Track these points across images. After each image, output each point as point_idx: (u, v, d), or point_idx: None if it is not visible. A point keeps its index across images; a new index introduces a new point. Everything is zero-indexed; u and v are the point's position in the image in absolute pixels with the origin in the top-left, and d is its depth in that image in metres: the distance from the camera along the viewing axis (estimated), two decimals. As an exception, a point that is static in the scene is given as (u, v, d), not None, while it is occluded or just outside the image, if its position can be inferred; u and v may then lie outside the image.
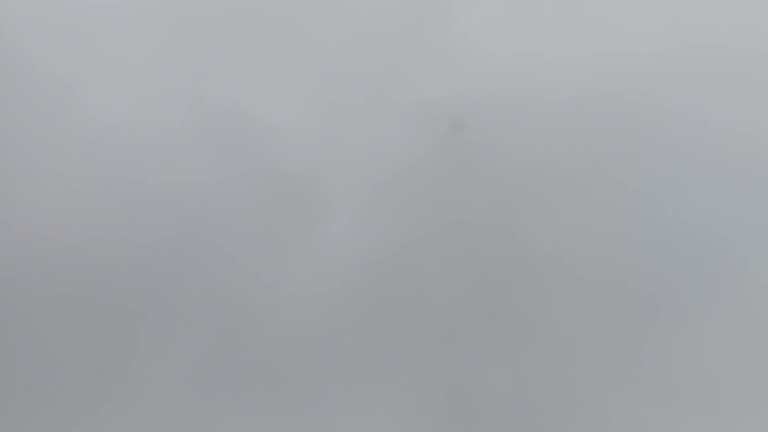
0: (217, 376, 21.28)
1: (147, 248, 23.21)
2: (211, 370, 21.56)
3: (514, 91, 21.77)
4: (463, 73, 22.19)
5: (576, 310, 19.32)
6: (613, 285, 19.66)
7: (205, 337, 23.19)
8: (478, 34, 23.09)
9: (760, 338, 22.76)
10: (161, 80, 23.44)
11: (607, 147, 22.14)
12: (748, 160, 20.36)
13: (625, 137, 20.20)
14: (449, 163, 20.81)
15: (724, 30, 21.96)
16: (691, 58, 21.78)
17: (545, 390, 19.46)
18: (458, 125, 20.16)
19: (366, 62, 23.84)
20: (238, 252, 24.32)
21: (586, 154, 21.95)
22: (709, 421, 21.02)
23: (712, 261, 20.79)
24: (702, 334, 23.17)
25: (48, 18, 23.93)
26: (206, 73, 25.43)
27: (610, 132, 21.24)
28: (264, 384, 21.25)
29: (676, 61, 22.68)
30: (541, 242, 21.30)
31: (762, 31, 21.93)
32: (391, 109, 23.01)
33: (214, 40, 24.91)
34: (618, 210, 19.84)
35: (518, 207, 21.93)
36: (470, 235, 20.02)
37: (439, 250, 20.83)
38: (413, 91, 22.78)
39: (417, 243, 22.37)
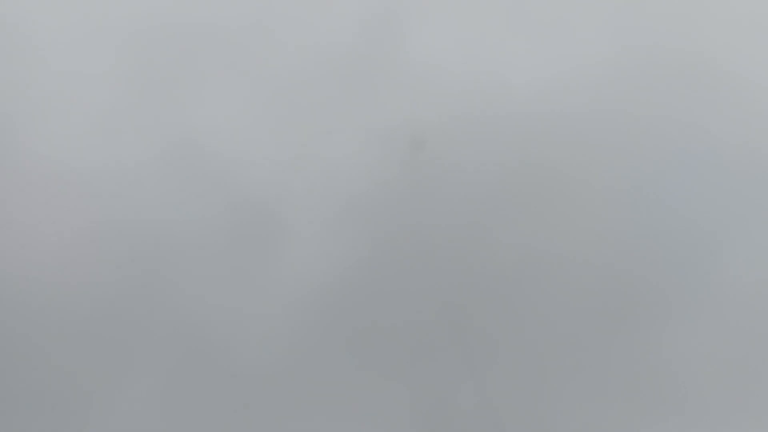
0: (183, 407, 21.12)
1: (110, 284, 22.99)
2: (177, 402, 21.39)
3: (472, 109, 22.27)
4: (420, 93, 22.64)
5: (543, 321, 19.65)
6: (578, 297, 19.97)
7: (171, 368, 23.02)
8: (435, 55, 23.74)
9: (734, 343, 23.39)
10: (117, 117, 23.38)
11: (564, 160, 22.74)
12: (704, 166, 21.00)
13: (582, 150, 20.74)
14: (409, 183, 21.09)
15: (675, 43, 22.74)
16: (645, 71, 22.46)
17: (515, 402, 19.57)
18: (418, 145, 20.45)
19: (323, 87, 24.14)
20: (202, 283, 24.19)
21: (544, 168, 22.52)
22: (682, 426, 21.32)
23: (684, 267, 21.39)
24: (675, 340, 23.63)
25: (1, 55, 23.46)
26: (162, 107, 25.43)
27: (567, 145, 21.83)
28: (231, 412, 21.13)
29: (630, 74, 23.37)
30: (503, 256, 21.75)
31: (714, 40, 22.87)
32: (350, 132, 23.36)
33: (168, 73, 24.98)
34: (577, 222, 20.26)
35: (480, 223, 22.33)
36: (432, 253, 20.17)
37: (401, 269, 21.04)
38: (371, 114, 23.16)
39: (379, 263, 22.62)
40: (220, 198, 18.86)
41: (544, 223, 18.93)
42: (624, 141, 17.51)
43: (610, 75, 18.44)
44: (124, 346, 17.28)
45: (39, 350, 16.92)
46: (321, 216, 19.09)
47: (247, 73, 19.74)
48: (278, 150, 19.55)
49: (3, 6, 18.94)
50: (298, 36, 18.97)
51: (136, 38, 19.43)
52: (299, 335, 17.69)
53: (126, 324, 17.18)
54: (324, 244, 19.26)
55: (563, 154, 19.14)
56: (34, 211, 16.64)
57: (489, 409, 15.29)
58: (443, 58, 18.99)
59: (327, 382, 17.23)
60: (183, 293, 18.46)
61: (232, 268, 18.31)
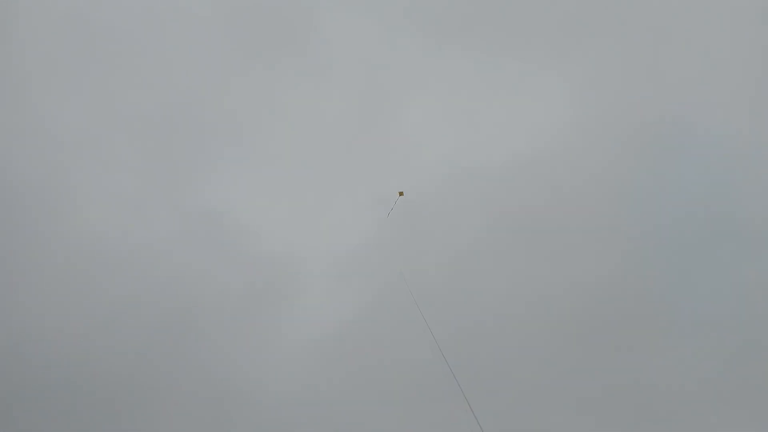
0: None
1: (140, 343, 26.42)
2: None
3: (449, 177, 26.38)
4: (404, 164, 26.63)
5: (519, 352, 22.25)
6: (553, 326, 22.90)
7: (198, 419, 26.34)
8: (417, 132, 28.13)
9: (705, 365, 26.11)
10: (142, 200, 27.52)
11: (536, 208, 26.10)
12: (653, 216, 24.75)
13: (542, 207, 24.30)
14: (398, 236, 24.49)
15: (621, 112, 26.72)
16: (601, 133, 26.38)
17: (505, 424, 22.09)
18: (406, 203, 23.80)
19: (323, 161, 27.99)
20: (224, 339, 27.78)
21: (512, 223, 25.93)
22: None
23: (654, 299, 24.44)
24: (647, 363, 26.37)
25: (34, 135, 27.40)
26: (184, 183, 29.67)
27: (537, 196, 25.17)
28: None
29: (584, 144, 27.53)
30: (486, 293, 24.78)
31: (654, 105, 26.70)
32: (346, 197, 27.22)
33: (184, 158, 29.03)
34: (547, 262, 23.40)
35: (462, 266, 25.69)
36: (424, 295, 22.97)
37: (397, 314, 23.83)
38: (366, 182, 27.01)
39: (380, 307, 25.80)
40: (237, 259, 23.18)
41: (524, 260, 23.09)
42: (580, 198, 22.17)
43: (573, 137, 23.06)
44: (156, 395, 21.00)
45: (80, 403, 20.62)
46: (325, 271, 23.26)
47: (257, 152, 24.39)
48: (286, 218, 23.98)
49: (32, 106, 23.28)
50: (300, 119, 23.70)
51: (159, 126, 24.09)
52: (312, 374, 21.49)
53: (157, 374, 21.09)
54: (331, 295, 23.39)
55: (536, 203, 23.28)
56: (76, 286, 20.59)
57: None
58: (425, 135, 23.91)
59: (342, 420, 20.79)
60: (210, 349, 22.42)
61: (252, 324, 22.32)
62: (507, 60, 35.41)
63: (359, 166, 33.87)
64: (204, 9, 32.44)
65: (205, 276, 31.97)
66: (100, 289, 31.08)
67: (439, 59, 35.67)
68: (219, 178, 32.97)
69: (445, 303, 30.33)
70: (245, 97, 34.45)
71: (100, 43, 32.03)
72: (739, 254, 31.47)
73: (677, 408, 28.88)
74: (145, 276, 32.25)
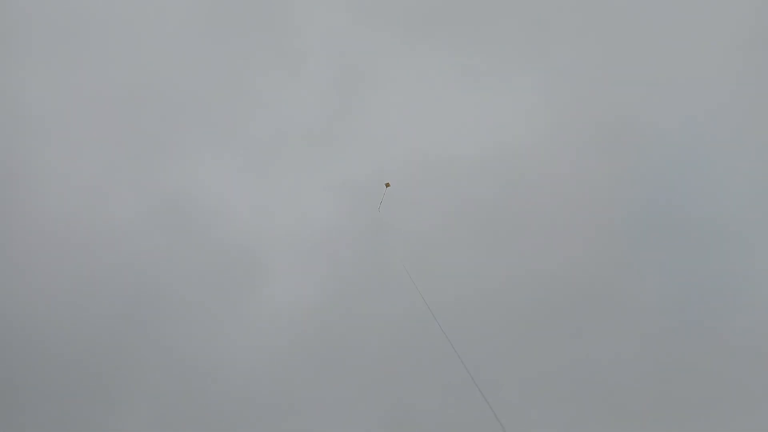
0: (175, 424, 24.41)
1: (110, 319, 26.29)
2: (173, 423, 24.78)
3: (420, 165, 26.96)
4: (375, 153, 27.12)
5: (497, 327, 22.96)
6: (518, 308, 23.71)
7: (164, 394, 26.39)
8: (388, 122, 28.69)
9: (648, 347, 27.17)
10: (110, 178, 27.44)
11: (499, 203, 26.92)
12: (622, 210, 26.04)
13: (504, 199, 25.11)
14: (366, 224, 25.01)
15: (583, 109, 27.81)
16: (565, 131, 27.51)
17: (462, 401, 22.96)
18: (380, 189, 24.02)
19: (294, 147, 28.30)
20: (191, 318, 27.91)
21: (484, 204, 26.69)
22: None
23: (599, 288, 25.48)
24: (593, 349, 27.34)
25: (4, 115, 26.94)
26: (151, 168, 29.69)
27: (499, 191, 26.02)
28: (219, 430, 24.28)
29: (548, 140, 28.66)
30: (456, 276, 25.51)
31: (615, 104, 27.85)
32: (316, 184, 27.57)
33: (156, 137, 29.07)
34: (506, 251, 24.27)
35: (430, 250, 26.30)
36: (391, 280, 23.92)
37: (365, 295, 24.64)
38: (335, 169, 27.37)
39: (345, 292, 26.41)
40: (205, 241, 23.52)
41: (490, 246, 24.08)
42: (549, 187, 23.16)
43: (538, 132, 24.13)
44: (124, 374, 21.22)
45: (51, 376, 20.69)
46: (294, 256, 23.85)
47: (228, 134, 24.73)
48: (255, 202, 24.42)
49: (5, 76, 23.20)
50: (276, 100, 24.19)
51: (127, 106, 24.23)
52: (278, 358, 22.02)
53: (124, 354, 21.32)
54: (297, 280, 24.01)
55: (500, 193, 24.17)
56: (41, 261, 20.75)
57: (446, 407, 18.81)
58: (395, 124, 24.59)
59: (306, 397, 21.35)
60: (174, 329, 22.72)
61: (217, 305, 22.73)
62: (478, 55, 36.56)
63: (329, 152, 34.51)
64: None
65: (170, 257, 32.06)
66: (65, 268, 30.76)
67: (411, 52, 36.66)
68: (186, 161, 33.02)
69: (405, 288, 31.31)
70: (215, 79, 34.42)
71: (67, 20, 30.99)
72: (686, 247, 33.44)
73: (620, 385, 30.87)
74: (110, 256, 32.08)
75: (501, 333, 31.53)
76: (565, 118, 35.85)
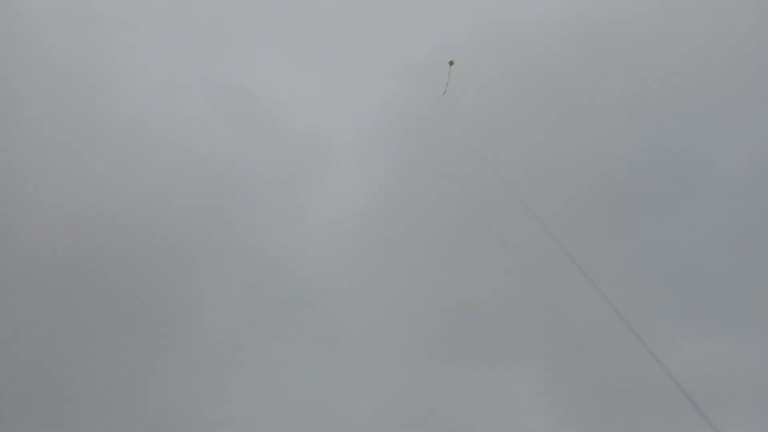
0: (254, 306, 26.65)
1: (186, 208, 28.14)
2: (249, 303, 27.01)
3: (485, 46, 26.60)
4: (435, 35, 26.78)
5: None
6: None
7: (242, 274, 28.49)
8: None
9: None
10: (183, 68, 28.20)
11: (560, 72, 26.68)
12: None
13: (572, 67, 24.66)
14: (426, 112, 25.29)
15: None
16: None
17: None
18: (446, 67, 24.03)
19: (352, 33, 28.39)
20: (261, 204, 29.46)
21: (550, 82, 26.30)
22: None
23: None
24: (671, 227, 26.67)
25: (73, 16, 27.92)
26: (214, 57, 30.30)
27: (560, 63, 25.90)
28: (292, 309, 26.48)
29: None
30: (522, 156, 25.80)
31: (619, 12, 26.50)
32: (376, 71, 27.80)
33: (218, 28, 29.35)
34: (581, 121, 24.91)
35: (488, 137, 26.41)
36: (451, 170, 24.71)
37: (424, 186, 25.47)
38: (393, 54, 27.34)
39: (404, 181, 27.25)
40: (270, 131, 24.65)
41: (554, 124, 24.50)
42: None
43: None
44: (203, 261, 23.06)
45: (136, 262, 22.79)
46: (355, 143, 24.74)
47: (287, 27, 25.15)
48: (317, 90, 25.13)
49: None
50: None
51: (185, 8, 24.62)
52: (342, 244, 23.44)
53: (199, 245, 23.06)
54: (359, 168, 24.91)
55: (561, 69, 24.14)
56: (117, 161, 22.30)
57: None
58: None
59: (363, 282, 22.93)
60: (247, 215, 24.31)
61: (284, 192, 24.07)
62: None
63: (391, 33, 33.76)
64: None
65: (238, 151, 33.43)
66: (140, 163, 31.95)
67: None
68: (254, 56, 33.55)
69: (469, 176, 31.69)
70: None
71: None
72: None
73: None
74: (180, 151, 33.75)
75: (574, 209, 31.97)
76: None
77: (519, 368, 29.03)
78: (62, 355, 31.42)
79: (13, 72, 30.91)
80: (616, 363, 27.85)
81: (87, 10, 32.84)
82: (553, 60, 35.63)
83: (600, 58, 36.11)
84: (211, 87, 31.04)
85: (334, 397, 29.23)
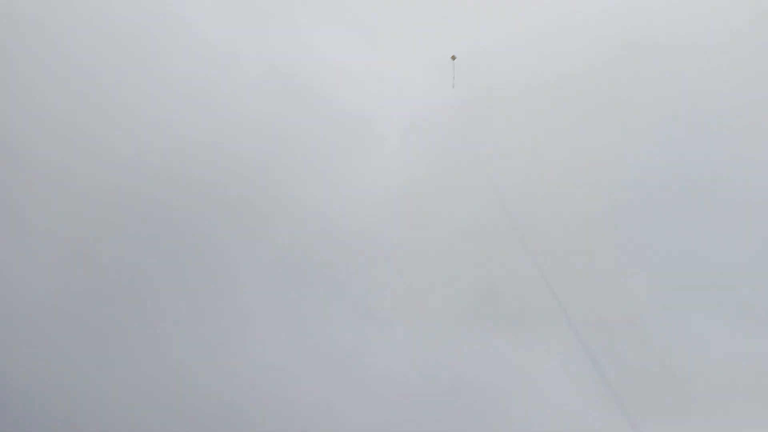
0: (294, 264, 29.45)
1: (239, 166, 31.17)
2: (290, 260, 29.95)
3: (512, 40, 28.92)
4: (472, 30, 29.15)
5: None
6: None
7: (286, 232, 31.48)
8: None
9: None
10: (235, 48, 31.52)
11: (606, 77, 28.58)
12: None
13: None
14: (465, 100, 27.59)
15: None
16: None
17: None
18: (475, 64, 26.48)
19: (396, 21, 30.95)
20: (311, 169, 32.61)
21: (581, 86, 28.56)
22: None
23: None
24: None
25: None
26: (271, 34, 33.64)
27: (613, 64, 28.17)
28: (332, 269, 29.23)
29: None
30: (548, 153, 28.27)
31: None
32: (418, 59, 30.35)
33: (276, 10, 32.38)
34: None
35: (524, 128, 28.83)
36: (485, 155, 27.19)
37: (460, 170, 27.89)
38: (434, 44, 29.79)
39: (443, 162, 29.83)
40: (321, 106, 27.88)
41: (580, 122, 27.15)
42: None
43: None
44: (251, 215, 26.25)
45: (191, 217, 25.80)
46: (399, 122, 27.83)
47: (338, 12, 28.48)
48: (365, 71, 28.28)
49: None
50: None
51: None
52: (382, 215, 26.36)
53: (253, 196, 26.11)
54: (402, 143, 28.14)
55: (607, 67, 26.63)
56: (174, 124, 25.60)
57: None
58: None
59: (399, 249, 25.66)
60: (294, 178, 27.49)
61: (332, 160, 27.23)
62: None
63: (437, 25, 35.34)
64: None
65: (291, 118, 35.65)
66: (209, 104, 33.19)
67: None
68: (309, 35, 35.54)
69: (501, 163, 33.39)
70: None
71: None
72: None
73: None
74: (236, 115, 34.58)
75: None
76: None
77: (550, 345, 30.80)
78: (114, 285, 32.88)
79: (78, 34, 34.12)
80: (647, 346, 30.13)
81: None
82: (585, 62, 37.18)
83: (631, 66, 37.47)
84: (264, 57, 33.81)
85: (366, 356, 31.31)
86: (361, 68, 35.87)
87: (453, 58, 31.51)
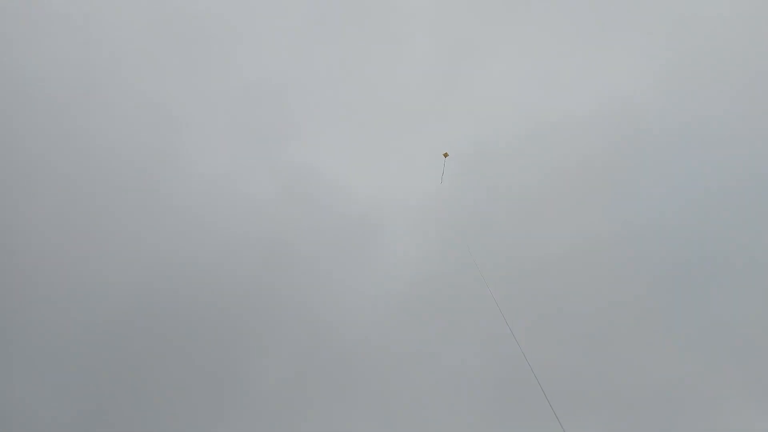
0: (309, 369, 29.71)
1: (245, 281, 32.05)
2: (304, 365, 30.18)
3: (513, 131, 29.95)
4: (466, 128, 30.33)
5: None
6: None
7: (298, 337, 31.88)
8: (493, 92, 32.01)
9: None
10: (246, 159, 33.08)
11: (600, 164, 29.02)
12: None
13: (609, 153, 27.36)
14: (460, 191, 28.19)
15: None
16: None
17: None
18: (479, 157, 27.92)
19: (398, 122, 32.39)
20: (317, 278, 33.35)
21: (580, 170, 28.89)
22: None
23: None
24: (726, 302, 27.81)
25: (149, 113, 33.47)
26: (281, 141, 35.18)
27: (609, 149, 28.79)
28: (344, 375, 29.30)
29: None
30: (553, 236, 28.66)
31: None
32: (426, 155, 31.60)
33: (286, 118, 34.19)
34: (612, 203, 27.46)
35: (525, 213, 29.34)
36: (487, 242, 27.04)
37: (465, 257, 27.66)
38: (443, 140, 30.83)
39: (447, 250, 30.03)
40: (329, 207, 28.89)
41: (586, 207, 27.40)
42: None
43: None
44: (259, 330, 26.90)
45: (202, 318, 26.28)
46: (404, 219, 28.29)
47: (347, 119, 30.02)
48: (370, 172, 29.42)
49: (150, 83, 29.10)
50: (382, 82, 28.81)
51: (253, 100, 29.84)
52: (392, 311, 26.45)
53: (260, 311, 26.38)
54: (410, 242, 28.55)
55: (606, 154, 27.07)
56: (189, 229, 26.61)
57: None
58: (491, 93, 28.45)
59: (410, 348, 25.62)
60: (305, 286, 27.89)
61: (339, 257, 27.85)
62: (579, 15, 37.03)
63: (437, 125, 37.03)
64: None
65: (299, 226, 38.01)
66: (204, 238, 38.19)
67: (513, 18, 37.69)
68: (316, 143, 37.80)
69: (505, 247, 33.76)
70: (327, 69, 38.57)
71: (194, 31, 41.37)
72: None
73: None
74: (246, 223, 38.77)
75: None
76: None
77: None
78: (123, 410, 35.23)
79: (84, 168, 39.77)
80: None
81: (157, 110, 40.12)
82: (597, 151, 38.84)
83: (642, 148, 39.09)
84: (271, 173, 38.64)
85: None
86: (365, 174, 38.38)
87: (445, 155, 32.54)
